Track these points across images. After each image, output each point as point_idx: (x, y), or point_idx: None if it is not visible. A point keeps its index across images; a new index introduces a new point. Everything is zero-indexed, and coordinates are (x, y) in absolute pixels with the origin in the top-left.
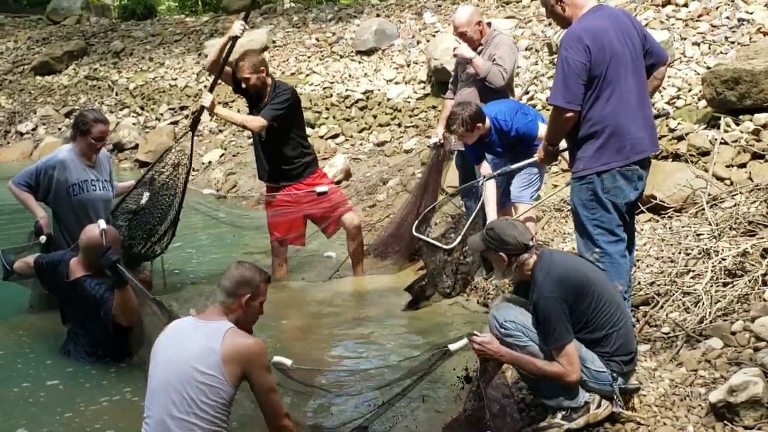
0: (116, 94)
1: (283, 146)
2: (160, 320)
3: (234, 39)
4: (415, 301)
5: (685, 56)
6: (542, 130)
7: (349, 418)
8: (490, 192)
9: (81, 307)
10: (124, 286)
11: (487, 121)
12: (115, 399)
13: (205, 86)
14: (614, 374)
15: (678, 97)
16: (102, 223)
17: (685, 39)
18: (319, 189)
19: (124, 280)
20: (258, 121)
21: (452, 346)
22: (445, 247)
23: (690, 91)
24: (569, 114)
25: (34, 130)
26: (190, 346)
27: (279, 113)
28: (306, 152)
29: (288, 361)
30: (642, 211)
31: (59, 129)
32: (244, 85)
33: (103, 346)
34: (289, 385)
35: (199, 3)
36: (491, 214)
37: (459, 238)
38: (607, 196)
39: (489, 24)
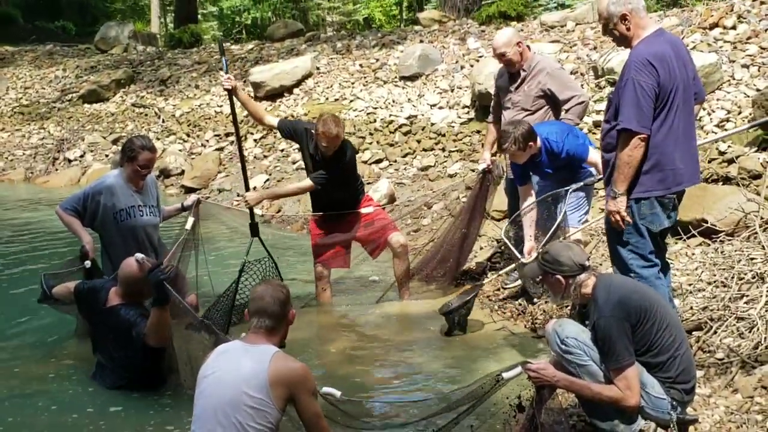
0: (162, 121)
1: (340, 190)
2: (205, 344)
3: (230, 92)
4: (450, 330)
5: (734, 79)
6: (593, 154)
7: None
8: (528, 217)
9: (113, 335)
10: (165, 305)
11: (539, 140)
12: (149, 425)
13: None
14: (674, 402)
15: (728, 120)
16: (139, 256)
17: (733, 61)
18: (364, 210)
19: (166, 299)
20: (307, 186)
21: (506, 374)
22: (523, 260)
23: (740, 113)
24: (642, 137)
25: (81, 156)
26: (240, 370)
27: (335, 181)
28: (358, 188)
29: (337, 393)
30: (693, 235)
31: (106, 155)
32: (320, 149)
33: (132, 372)
34: (336, 417)
35: (243, 31)
36: (528, 240)
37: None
38: (643, 222)
39: (529, 47)
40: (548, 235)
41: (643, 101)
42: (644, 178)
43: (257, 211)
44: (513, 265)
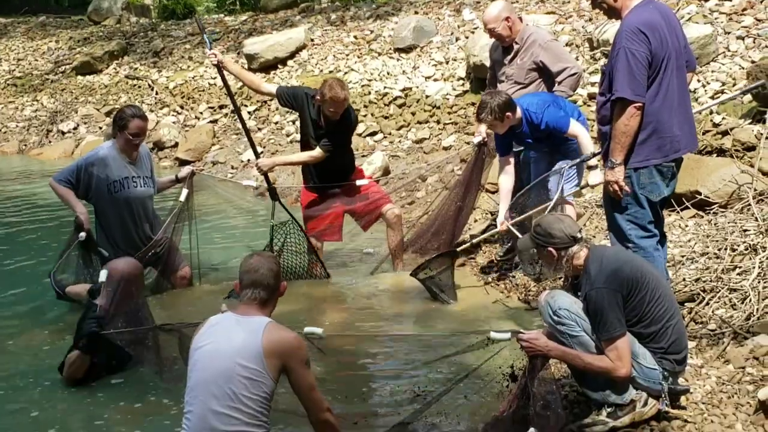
0: (156, 93)
1: (341, 157)
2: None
3: (218, 67)
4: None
5: (729, 50)
6: (574, 126)
7: (391, 412)
8: (504, 189)
9: None
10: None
11: (519, 111)
12: (146, 397)
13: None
14: (665, 373)
15: (722, 92)
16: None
17: (729, 33)
18: (359, 182)
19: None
20: (317, 155)
21: (494, 335)
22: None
23: (734, 85)
24: (637, 106)
25: (75, 129)
26: (233, 341)
27: (342, 147)
28: (352, 157)
29: (319, 330)
30: (686, 207)
31: (100, 128)
32: (326, 115)
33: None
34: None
35: (237, 3)
36: (502, 210)
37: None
38: (642, 191)
39: (521, 18)
40: (547, 210)
41: (636, 70)
42: (642, 147)
43: (251, 182)
44: (493, 231)
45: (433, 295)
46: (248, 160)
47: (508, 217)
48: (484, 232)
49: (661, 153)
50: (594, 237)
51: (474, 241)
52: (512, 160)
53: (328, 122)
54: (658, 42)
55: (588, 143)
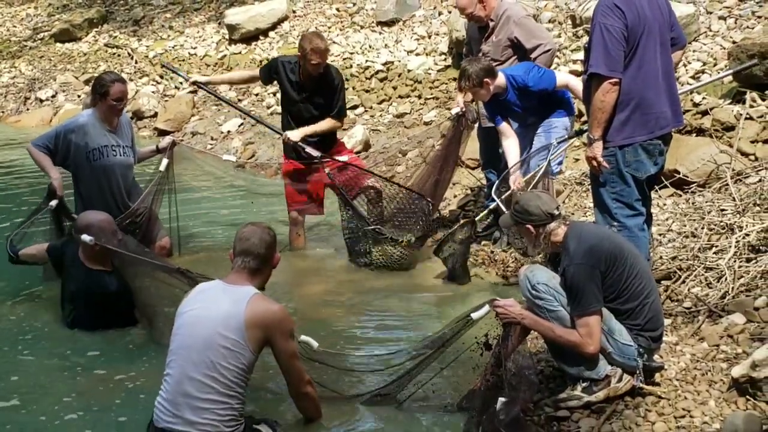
0: (136, 62)
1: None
2: (180, 288)
3: (201, 87)
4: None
5: (710, 30)
6: (561, 77)
7: (370, 385)
8: (512, 152)
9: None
10: None
11: (501, 78)
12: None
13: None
14: (641, 349)
15: (703, 72)
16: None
17: (711, 13)
18: (339, 158)
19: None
20: (334, 124)
21: (474, 315)
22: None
23: (715, 65)
24: (613, 81)
25: (53, 96)
26: (217, 309)
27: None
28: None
29: (315, 343)
30: (665, 186)
31: (78, 96)
32: (308, 72)
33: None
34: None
35: None
36: (513, 173)
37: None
38: (628, 169)
39: None
40: (532, 185)
41: (611, 45)
42: (626, 124)
43: (231, 157)
44: (507, 193)
45: (453, 275)
46: (228, 131)
47: (519, 178)
48: (463, 207)
49: (647, 130)
50: (573, 214)
51: (491, 206)
52: (509, 126)
53: (311, 80)
54: (635, 16)
55: (579, 86)
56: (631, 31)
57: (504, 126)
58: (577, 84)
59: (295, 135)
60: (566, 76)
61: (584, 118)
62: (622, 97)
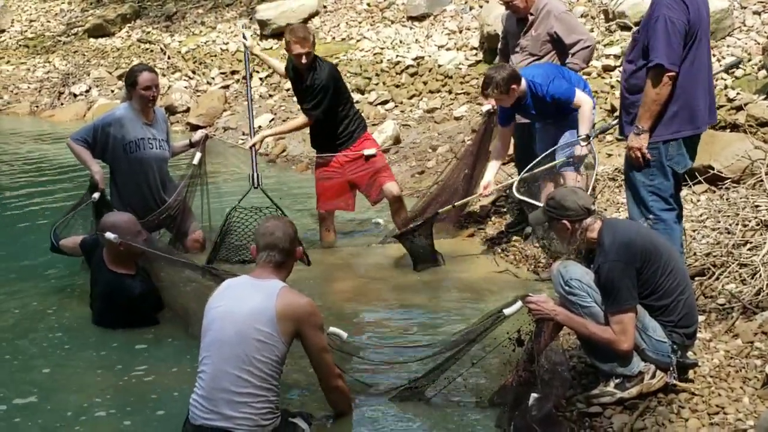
0: (168, 58)
1: (330, 122)
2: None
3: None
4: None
5: (745, 25)
6: (580, 96)
7: (400, 379)
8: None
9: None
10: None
11: (523, 82)
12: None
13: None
14: (675, 346)
15: (737, 67)
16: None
17: (745, 8)
18: (366, 152)
19: None
20: (303, 122)
21: (507, 311)
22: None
23: (750, 60)
24: (671, 75)
25: (87, 91)
26: (247, 304)
27: (321, 106)
28: (352, 121)
29: (344, 334)
30: (699, 182)
31: (112, 91)
32: (297, 66)
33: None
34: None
35: None
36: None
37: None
38: (669, 163)
39: None
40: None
41: (674, 38)
42: (673, 119)
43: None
44: (474, 196)
45: (416, 260)
46: (259, 126)
47: (492, 182)
48: (494, 203)
49: (693, 125)
50: (606, 210)
51: (456, 204)
52: (510, 131)
53: (300, 74)
54: (696, 12)
55: (588, 116)
56: (691, 26)
57: (504, 130)
58: (587, 112)
59: (256, 138)
60: (584, 99)
61: (616, 113)
62: (673, 90)
